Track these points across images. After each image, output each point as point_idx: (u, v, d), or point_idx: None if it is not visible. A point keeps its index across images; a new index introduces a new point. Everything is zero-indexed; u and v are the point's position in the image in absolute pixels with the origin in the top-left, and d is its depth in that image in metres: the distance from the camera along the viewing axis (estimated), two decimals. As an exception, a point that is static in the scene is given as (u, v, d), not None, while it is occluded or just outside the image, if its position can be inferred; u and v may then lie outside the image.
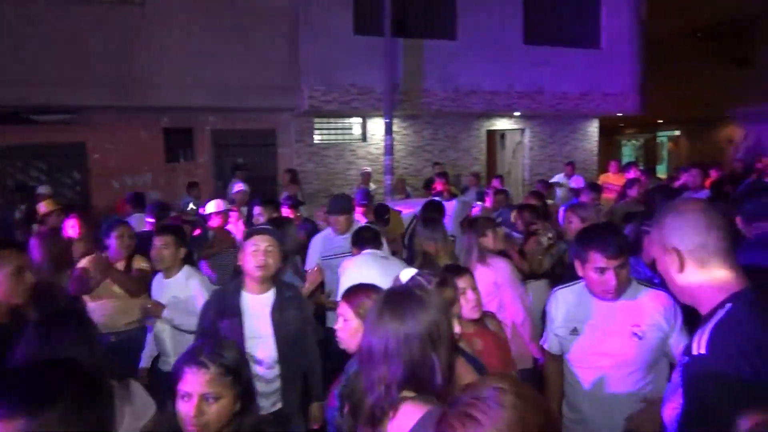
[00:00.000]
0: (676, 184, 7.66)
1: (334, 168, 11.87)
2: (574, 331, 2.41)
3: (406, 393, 1.50)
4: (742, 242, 2.70)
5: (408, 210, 6.72)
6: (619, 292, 2.31)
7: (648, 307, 2.33)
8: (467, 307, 2.47)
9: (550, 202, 7.25)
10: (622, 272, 2.28)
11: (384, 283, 2.08)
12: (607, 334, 2.33)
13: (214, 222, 5.35)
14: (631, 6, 12.76)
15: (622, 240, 2.33)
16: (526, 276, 3.89)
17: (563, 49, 12.15)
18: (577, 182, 9.86)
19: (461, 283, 2.48)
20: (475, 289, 2.54)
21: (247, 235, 2.88)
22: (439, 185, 7.93)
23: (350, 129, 12.19)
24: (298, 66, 10.40)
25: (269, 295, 2.83)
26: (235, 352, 1.88)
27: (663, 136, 22.06)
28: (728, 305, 1.43)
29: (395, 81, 10.53)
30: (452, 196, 7.73)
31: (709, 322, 1.43)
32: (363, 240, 3.78)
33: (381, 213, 6.23)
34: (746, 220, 2.69)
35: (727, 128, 19.08)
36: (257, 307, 2.78)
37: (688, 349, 1.45)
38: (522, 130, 13.50)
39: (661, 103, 16.97)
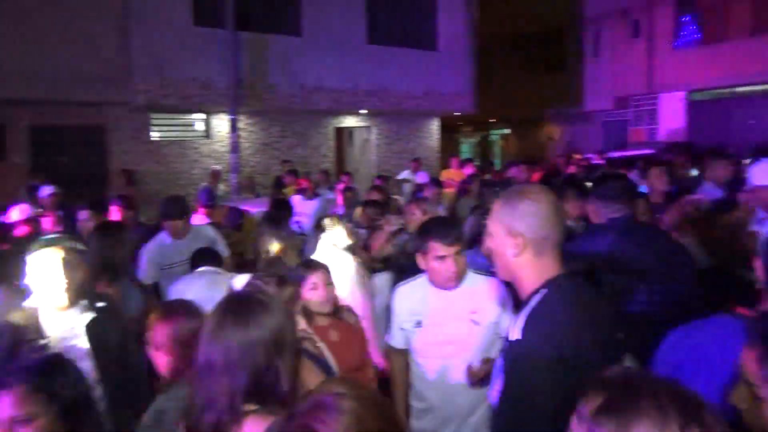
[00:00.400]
0: (505, 176, 8.33)
1: (177, 167, 11.16)
2: (419, 324, 2.48)
3: (249, 406, 1.41)
4: (593, 228, 2.84)
5: (257, 209, 6.51)
6: (459, 279, 2.43)
7: (483, 294, 2.46)
8: (318, 301, 2.53)
9: (400, 198, 7.48)
10: (460, 259, 2.40)
11: (204, 298, 1.98)
12: (448, 322, 2.42)
13: (21, 231, 4.68)
14: (464, 12, 13.64)
15: (458, 229, 2.48)
16: (372, 271, 3.94)
17: (404, 50, 12.62)
18: (422, 178, 10.26)
19: (314, 278, 2.55)
20: (328, 284, 2.59)
21: (33, 249, 2.50)
22: (303, 182, 7.80)
23: (192, 125, 11.54)
24: (131, 57, 9.59)
25: (78, 311, 2.52)
26: (52, 365, 1.67)
27: (495, 135, 24.01)
28: (543, 291, 1.53)
29: (239, 76, 10.16)
30: (315, 194, 7.64)
31: (526, 308, 1.53)
32: (200, 262, 3.57)
33: (233, 219, 5.90)
34: (602, 203, 2.75)
35: (547, 127, 21.31)
36: (65, 326, 2.47)
37: (507, 335, 1.53)
38: (369, 128, 13.80)
39: (492, 104, 18.44)
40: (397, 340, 2.63)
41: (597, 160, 10.80)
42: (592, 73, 18.82)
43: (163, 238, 4.16)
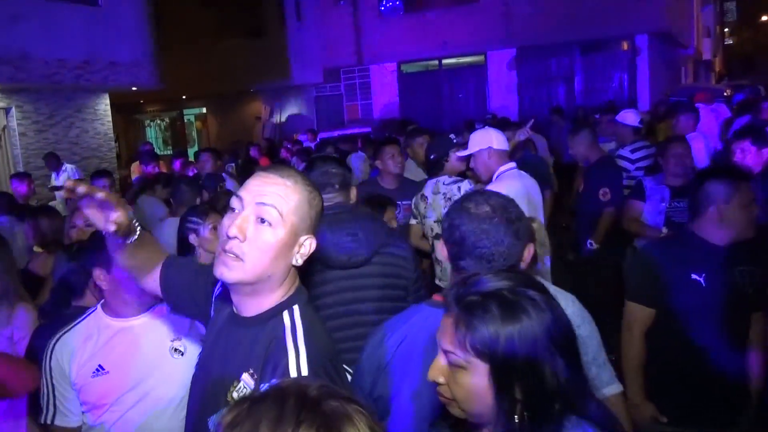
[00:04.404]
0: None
1: None
2: (99, 370, 2.20)
3: None
4: None
5: None
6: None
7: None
8: None
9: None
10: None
11: None
12: (143, 358, 2.22)
13: None
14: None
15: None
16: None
17: (51, 3, 11.09)
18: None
19: None
20: None
21: None
22: None
23: None
24: None
25: None
26: None
27: (191, 115, 23.12)
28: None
29: None
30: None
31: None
32: None
33: None
34: None
35: (253, 104, 21.29)
36: None
37: None
38: (7, 110, 11.83)
39: (183, 77, 17.61)
40: (66, 419, 2.21)
41: (309, 142, 11.02)
42: (296, 40, 19.25)
43: None
